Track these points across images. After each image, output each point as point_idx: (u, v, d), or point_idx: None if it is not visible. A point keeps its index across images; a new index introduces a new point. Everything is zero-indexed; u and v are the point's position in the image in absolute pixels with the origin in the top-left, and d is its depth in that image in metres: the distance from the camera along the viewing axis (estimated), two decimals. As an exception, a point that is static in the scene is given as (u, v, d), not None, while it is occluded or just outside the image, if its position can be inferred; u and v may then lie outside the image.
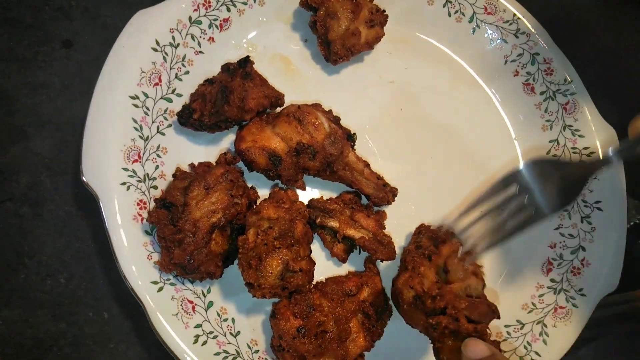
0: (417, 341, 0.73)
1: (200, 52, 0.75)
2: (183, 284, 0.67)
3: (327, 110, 0.73)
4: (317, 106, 0.73)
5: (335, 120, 0.73)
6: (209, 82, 0.73)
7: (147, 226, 0.66)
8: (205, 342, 0.65)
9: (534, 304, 0.74)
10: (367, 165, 0.73)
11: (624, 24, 0.89)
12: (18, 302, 0.71)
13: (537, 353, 0.71)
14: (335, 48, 0.75)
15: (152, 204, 0.67)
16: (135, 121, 0.69)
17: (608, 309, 0.79)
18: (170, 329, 0.64)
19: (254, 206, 0.69)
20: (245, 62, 0.71)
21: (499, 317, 0.59)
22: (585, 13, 0.93)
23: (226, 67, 0.73)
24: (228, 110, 0.69)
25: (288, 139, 0.70)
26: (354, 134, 0.74)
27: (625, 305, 0.79)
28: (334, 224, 0.69)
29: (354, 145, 0.74)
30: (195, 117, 0.70)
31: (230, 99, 0.69)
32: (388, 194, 0.72)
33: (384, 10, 0.78)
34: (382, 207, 0.74)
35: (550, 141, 0.80)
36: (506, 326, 0.73)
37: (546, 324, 0.73)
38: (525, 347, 0.71)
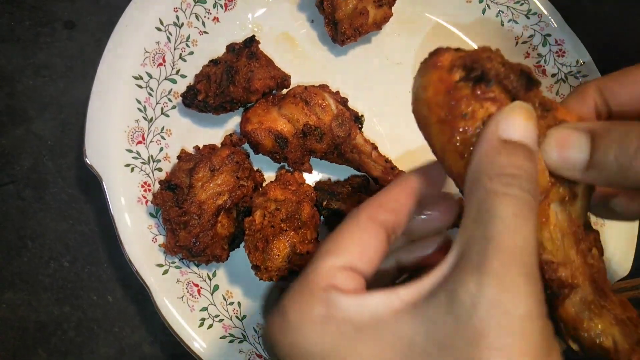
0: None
1: (205, 32, 0.74)
2: (188, 267, 0.66)
3: (334, 91, 0.72)
4: (324, 87, 0.71)
5: (343, 101, 0.72)
6: (213, 62, 0.71)
7: (152, 208, 0.65)
8: (211, 326, 0.64)
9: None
10: (375, 147, 0.71)
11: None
12: (21, 286, 0.71)
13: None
14: (342, 28, 0.74)
15: (157, 186, 0.66)
16: (139, 102, 0.68)
17: (618, 293, 0.78)
18: (175, 312, 0.63)
19: (260, 188, 0.68)
20: (251, 41, 0.70)
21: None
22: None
23: (231, 47, 0.71)
24: (233, 91, 0.68)
25: (295, 121, 0.68)
26: (362, 116, 0.73)
27: (637, 291, 0.78)
28: (340, 207, 0.68)
29: (362, 127, 0.73)
30: (200, 99, 0.69)
31: (235, 80, 0.67)
32: (396, 177, 0.71)
33: None
34: (390, 191, 0.73)
35: (561, 124, 0.79)
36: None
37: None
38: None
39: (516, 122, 0.31)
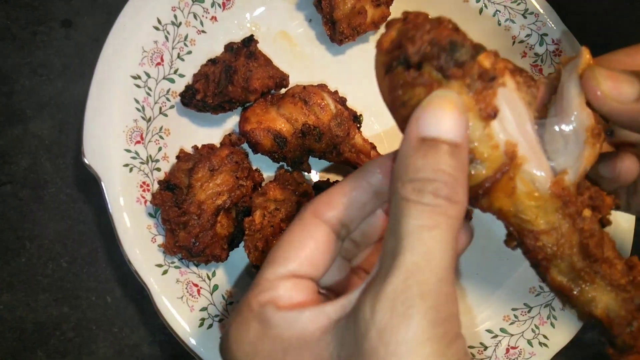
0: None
1: (203, 31, 0.73)
2: (188, 267, 0.66)
3: (333, 91, 0.72)
4: (322, 87, 0.71)
5: (342, 101, 0.72)
6: (212, 62, 0.71)
7: (151, 208, 0.65)
8: (210, 326, 0.64)
9: (541, 287, 0.74)
10: (374, 147, 0.71)
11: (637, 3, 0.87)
12: (19, 286, 0.70)
13: (545, 336, 0.70)
14: (340, 27, 0.74)
15: (156, 186, 0.66)
16: (137, 102, 0.68)
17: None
18: (175, 312, 0.63)
19: (260, 188, 0.68)
20: (249, 41, 0.70)
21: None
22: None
23: (230, 47, 0.71)
24: (232, 91, 0.68)
25: (293, 120, 0.68)
26: (361, 115, 0.73)
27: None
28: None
29: (361, 126, 0.73)
30: (199, 98, 0.69)
31: (234, 79, 0.67)
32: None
33: None
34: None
35: (558, 123, 0.79)
36: (513, 309, 0.73)
37: (554, 307, 0.72)
38: (532, 330, 0.71)
39: (435, 116, 0.28)
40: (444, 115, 0.27)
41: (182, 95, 0.70)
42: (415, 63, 0.29)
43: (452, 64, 0.29)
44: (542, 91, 0.33)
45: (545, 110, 0.33)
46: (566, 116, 0.31)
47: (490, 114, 0.30)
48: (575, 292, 0.31)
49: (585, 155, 0.31)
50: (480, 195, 0.31)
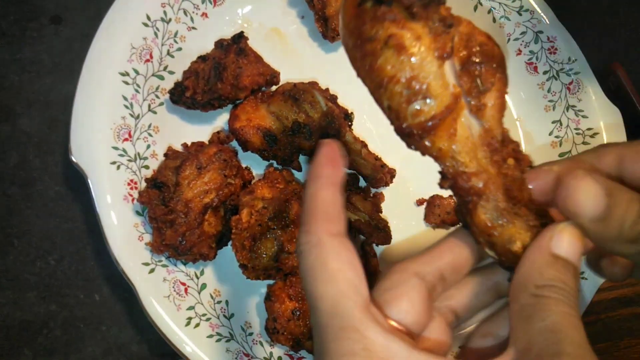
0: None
1: (193, 27, 0.73)
2: (175, 265, 0.65)
3: (324, 88, 0.71)
4: (313, 84, 0.71)
5: (332, 99, 0.71)
6: (201, 59, 0.70)
7: (138, 207, 0.65)
8: (197, 325, 0.64)
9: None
10: (365, 145, 0.71)
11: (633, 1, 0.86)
12: (6, 284, 0.70)
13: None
14: (332, 24, 0.73)
15: (143, 184, 0.66)
16: (125, 99, 0.67)
17: (609, 291, 0.78)
18: (162, 311, 0.62)
19: (248, 186, 0.67)
20: (239, 37, 0.69)
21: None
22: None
23: (220, 44, 0.71)
24: (222, 88, 0.67)
25: (284, 118, 0.68)
26: (352, 113, 0.72)
27: (629, 289, 0.77)
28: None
29: (352, 125, 0.72)
30: (188, 95, 0.68)
31: (223, 76, 0.67)
32: (386, 175, 0.70)
33: None
34: (380, 189, 0.73)
35: (553, 122, 0.78)
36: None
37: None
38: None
39: (567, 241, 0.34)
40: (575, 243, 0.34)
41: (171, 92, 0.69)
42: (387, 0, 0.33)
43: (419, 4, 0.33)
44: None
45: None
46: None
47: (444, 56, 0.34)
48: (497, 231, 0.35)
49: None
50: (426, 131, 0.34)
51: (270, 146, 0.67)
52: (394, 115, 0.35)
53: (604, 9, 0.88)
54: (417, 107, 0.33)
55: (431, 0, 0.34)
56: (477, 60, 0.36)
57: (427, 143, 0.35)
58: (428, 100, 0.33)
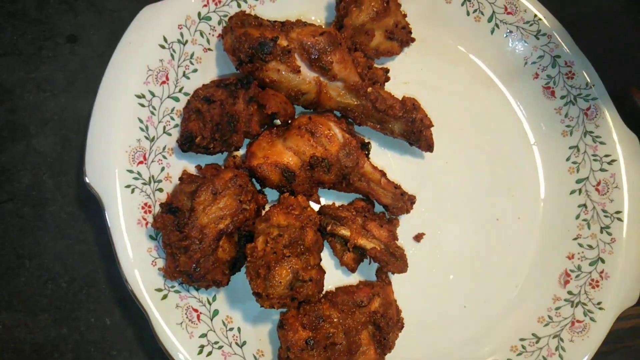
0: (429, 354, 0.70)
1: (209, 49, 0.72)
2: (188, 291, 0.65)
3: (339, 117, 0.70)
4: (328, 116, 0.69)
5: (349, 129, 0.70)
6: (206, 100, 0.67)
7: (152, 230, 0.64)
8: (210, 353, 0.63)
9: (550, 317, 0.72)
10: (384, 174, 0.70)
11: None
12: (18, 306, 0.69)
13: (553, 369, 0.69)
14: (344, 34, 0.72)
15: (158, 208, 0.65)
16: (140, 121, 0.66)
17: (626, 320, 0.77)
18: (174, 338, 0.61)
19: (263, 212, 0.67)
20: (248, 83, 0.67)
21: None
22: (609, 14, 0.89)
23: (222, 84, 0.68)
24: (237, 140, 0.67)
25: (301, 153, 0.66)
26: (369, 142, 0.72)
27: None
28: (345, 232, 0.66)
29: (369, 154, 0.71)
30: (197, 142, 0.65)
31: (237, 128, 0.66)
32: (407, 202, 0.70)
33: (411, 32, 0.75)
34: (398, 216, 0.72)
35: (570, 147, 0.78)
36: (521, 339, 0.71)
37: (562, 339, 0.70)
38: (541, 362, 0.69)
39: None
40: None
41: (181, 142, 0.66)
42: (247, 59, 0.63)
43: (264, 54, 0.62)
44: None
45: None
46: None
47: (296, 69, 0.65)
48: (379, 127, 0.69)
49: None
50: (315, 104, 0.64)
51: (289, 182, 0.66)
52: None
53: (627, 32, 0.87)
54: None
55: (271, 47, 0.63)
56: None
57: (319, 108, 0.67)
58: (306, 94, 0.67)
